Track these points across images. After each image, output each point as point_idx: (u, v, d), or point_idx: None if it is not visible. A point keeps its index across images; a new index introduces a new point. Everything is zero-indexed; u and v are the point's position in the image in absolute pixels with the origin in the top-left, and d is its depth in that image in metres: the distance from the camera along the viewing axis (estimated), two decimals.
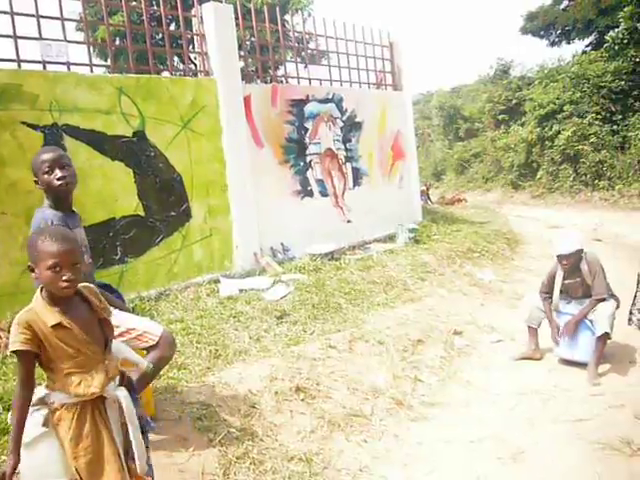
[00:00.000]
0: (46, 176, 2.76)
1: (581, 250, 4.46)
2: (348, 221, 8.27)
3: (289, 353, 4.22)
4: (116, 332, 2.79)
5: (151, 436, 3.00)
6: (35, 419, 2.09)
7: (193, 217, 6.13)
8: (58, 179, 2.76)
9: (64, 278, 2.05)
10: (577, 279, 4.52)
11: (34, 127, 4.89)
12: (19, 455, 2.04)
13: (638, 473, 3.00)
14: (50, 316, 2.07)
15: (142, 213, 5.67)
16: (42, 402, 2.12)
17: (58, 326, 2.07)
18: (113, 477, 2.09)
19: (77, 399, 2.09)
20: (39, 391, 2.19)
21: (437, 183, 23.48)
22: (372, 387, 4.06)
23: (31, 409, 2.11)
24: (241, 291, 5.69)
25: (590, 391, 4.08)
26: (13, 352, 2.02)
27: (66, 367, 2.08)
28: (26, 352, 2.01)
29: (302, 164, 7.61)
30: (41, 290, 2.13)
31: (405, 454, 3.43)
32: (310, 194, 7.72)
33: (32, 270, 2.08)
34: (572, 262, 4.43)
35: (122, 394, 2.22)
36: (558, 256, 4.48)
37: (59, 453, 2.17)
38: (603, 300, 4.39)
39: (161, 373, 3.65)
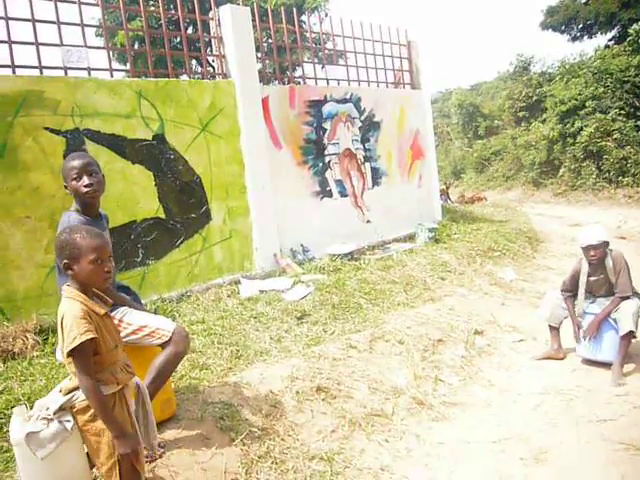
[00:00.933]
0: (74, 182, 2.84)
1: (608, 243, 4.37)
2: (367, 221, 8.26)
3: (310, 353, 4.23)
4: (129, 330, 2.86)
5: (174, 434, 3.05)
6: (54, 429, 2.10)
7: (213, 219, 6.18)
8: (85, 186, 2.84)
9: (105, 269, 2.15)
10: (601, 276, 4.44)
11: (56, 132, 4.97)
12: (132, 431, 2.14)
13: None
14: (97, 307, 2.15)
15: (163, 215, 5.74)
16: (61, 409, 2.14)
17: (105, 316, 2.17)
18: (140, 453, 2.19)
19: (118, 387, 2.17)
20: (53, 399, 2.19)
21: (457, 182, 23.30)
22: (393, 387, 4.06)
23: (44, 422, 2.12)
24: (261, 292, 5.73)
25: (614, 391, 4.02)
26: (76, 346, 2.03)
27: (111, 357, 2.17)
28: (91, 341, 2.05)
29: (321, 165, 7.62)
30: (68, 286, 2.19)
31: (426, 454, 3.42)
32: (329, 194, 7.73)
33: (69, 268, 2.13)
34: (600, 254, 4.34)
35: (138, 380, 2.35)
36: (587, 247, 4.35)
37: (82, 457, 2.20)
38: (627, 298, 4.31)
39: (183, 373, 3.72)
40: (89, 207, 2.91)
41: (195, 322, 4.85)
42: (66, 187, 2.90)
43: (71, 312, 2.07)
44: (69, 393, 2.14)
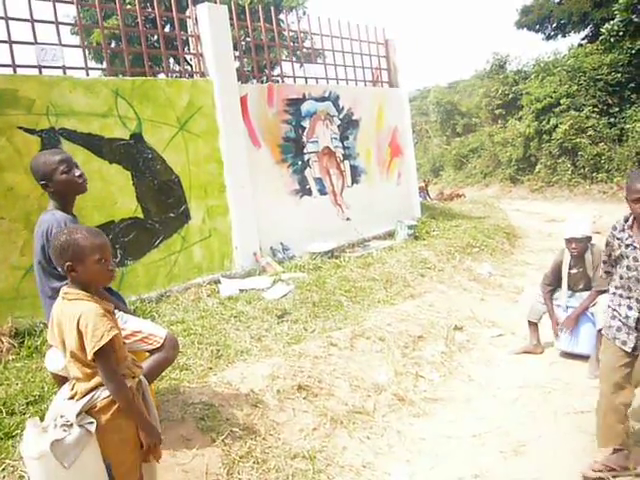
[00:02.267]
0: (64, 176, 2.74)
1: (590, 238, 4.45)
2: (347, 219, 8.27)
3: (290, 352, 4.23)
4: (122, 334, 2.81)
5: None
6: (76, 434, 2.03)
7: (192, 218, 6.14)
8: (79, 176, 2.78)
9: (110, 268, 2.14)
10: (580, 269, 4.51)
11: (31, 132, 4.89)
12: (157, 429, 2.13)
13: (639, 464, 3.01)
14: (105, 305, 2.13)
15: (141, 215, 5.68)
16: (80, 413, 2.06)
17: (112, 313, 2.16)
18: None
19: (134, 381, 2.16)
20: (64, 406, 2.11)
21: (435, 179, 23.47)
22: (374, 384, 4.08)
23: (64, 428, 2.05)
24: (241, 291, 5.71)
25: (591, 383, 4.09)
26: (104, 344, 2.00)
27: (123, 352, 2.16)
28: (115, 337, 2.03)
29: (300, 163, 7.61)
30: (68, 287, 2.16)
31: (408, 450, 3.45)
32: (309, 193, 7.72)
33: (72, 269, 2.09)
34: (581, 248, 4.41)
35: (141, 376, 2.30)
36: (569, 239, 4.42)
37: (100, 460, 2.11)
38: (604, 292, 4.38)
39: (163, 374, 3.68)
40: (70, 203, 2.84)
41: (175, 322, 4.81)
42: (46, 185, 2.77)
43: (91, 311, 2.02)
44: (86, 395, 2.07)
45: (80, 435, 2.03)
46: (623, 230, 3.00)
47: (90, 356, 2.00)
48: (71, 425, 2.04)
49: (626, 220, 3.01)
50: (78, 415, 2.05)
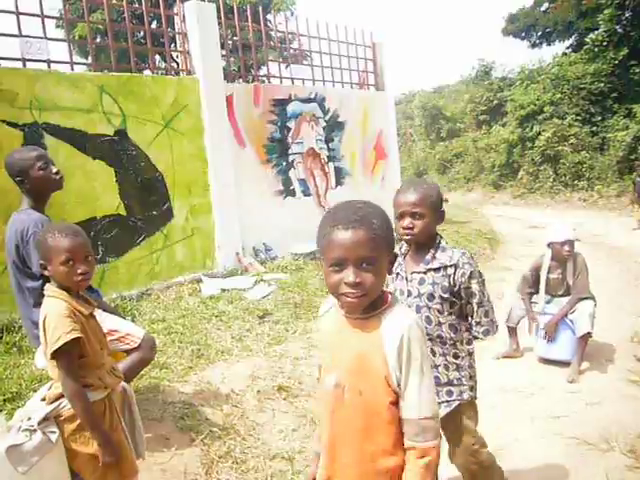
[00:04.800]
0: (42, 172, 2.74)
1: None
2: None
3: (271, 352, 4.23)
4: None
5: None
6: (37, 441, 1.97)
7: (175, 216, 6.11)
8: (55, 173, 2.77)
9: (79, 271, 2.05)
10: (559, 275, 4.55)
11: (14, 125, 4.83)
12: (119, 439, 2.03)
13: (613, 468, 3.06)
14: (81, 306, 2.06)
15: (123, 212, 5.64)
16: (45, 419, 2.01)
17: (90, 316, 2.09)
18: (132, 461, 2.14)
19: (106, 392, 2.08)
20: (35, 409, 2.07)
21: None
22: None
23: (26, 433, 2.00)
24: (223, 291, 5.69)
25: (568, 389, 4.14)
26: (61, 346, 1.92)
27: (97, 359, 2.08)
28: (76, 341, 1.96)
29: (284, 164, 7.61)
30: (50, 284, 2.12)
31: None
32: (292, 194, 7.72)
33: (45, 268, 2.06)
34: (572, 250, 4.45)
35: (124, 384, 2.26)
36: (564, 242, 4.41)
37: (64, 469, 2.07)
38: (584, 299, 4.43)
39: (143, 373, 3.65)
40: (44, 202, 2.83)
41: (155, 321, 4.79)
42: (22, 181, 2.76)
43: (55, 310, 1.97)
44: (55, 401, 2.02)
45: (41, 443, 1.97)
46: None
47: (48, 357, 1.96)
48: (34, 430, 1.98)
49: (400, 247, 2.42)
50: (42, 422, 2.00)
